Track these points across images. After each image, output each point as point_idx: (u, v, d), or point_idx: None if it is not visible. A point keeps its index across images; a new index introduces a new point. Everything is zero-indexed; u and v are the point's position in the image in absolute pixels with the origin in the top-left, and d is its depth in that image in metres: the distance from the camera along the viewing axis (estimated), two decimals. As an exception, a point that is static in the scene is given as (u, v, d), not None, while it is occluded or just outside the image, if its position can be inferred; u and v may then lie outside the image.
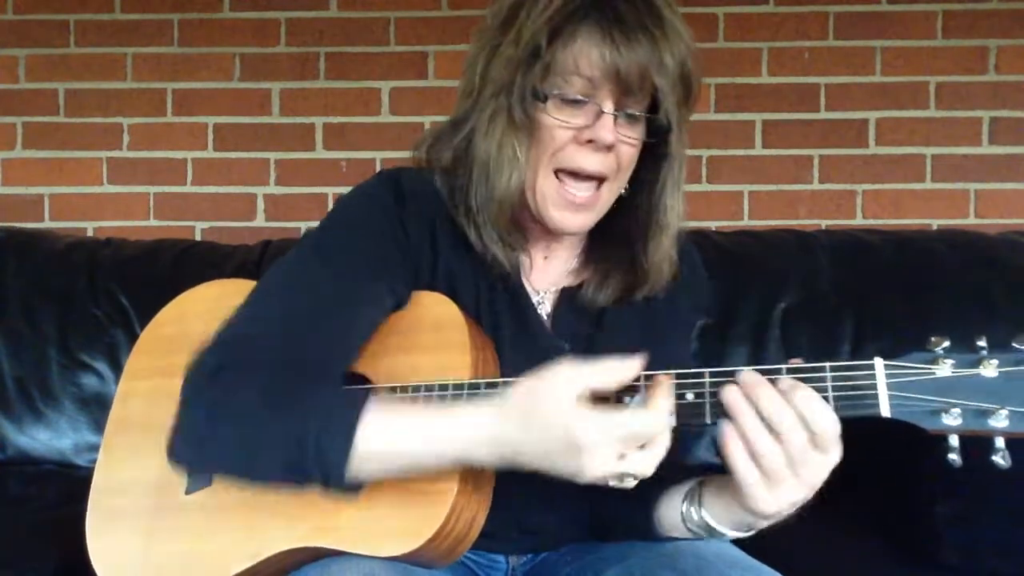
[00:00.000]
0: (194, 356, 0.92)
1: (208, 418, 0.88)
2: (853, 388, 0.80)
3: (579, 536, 1.10)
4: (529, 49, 0.95)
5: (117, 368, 1.74)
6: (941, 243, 1.80)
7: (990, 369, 0.76)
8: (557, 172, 0.98)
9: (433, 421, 0.84)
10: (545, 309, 1.08)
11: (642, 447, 0.80)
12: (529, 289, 1.07)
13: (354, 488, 0.86)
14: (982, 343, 0.78)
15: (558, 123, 0.96)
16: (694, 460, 1.68)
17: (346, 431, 0.83)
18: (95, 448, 1.14)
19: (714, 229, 2.19)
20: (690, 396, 0.84)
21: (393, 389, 0.95)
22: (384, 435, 0.84)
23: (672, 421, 0.83)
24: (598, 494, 1.08)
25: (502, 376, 0.99)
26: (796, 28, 2.31)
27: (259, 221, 2.35)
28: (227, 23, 2.34)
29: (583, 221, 1.01)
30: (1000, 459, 0.76)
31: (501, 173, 0.98)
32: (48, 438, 1.74)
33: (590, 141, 0.95)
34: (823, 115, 2.31)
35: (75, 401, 1.75)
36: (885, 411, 0.79)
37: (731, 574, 0.92)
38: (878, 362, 0.80)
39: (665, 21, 0.94)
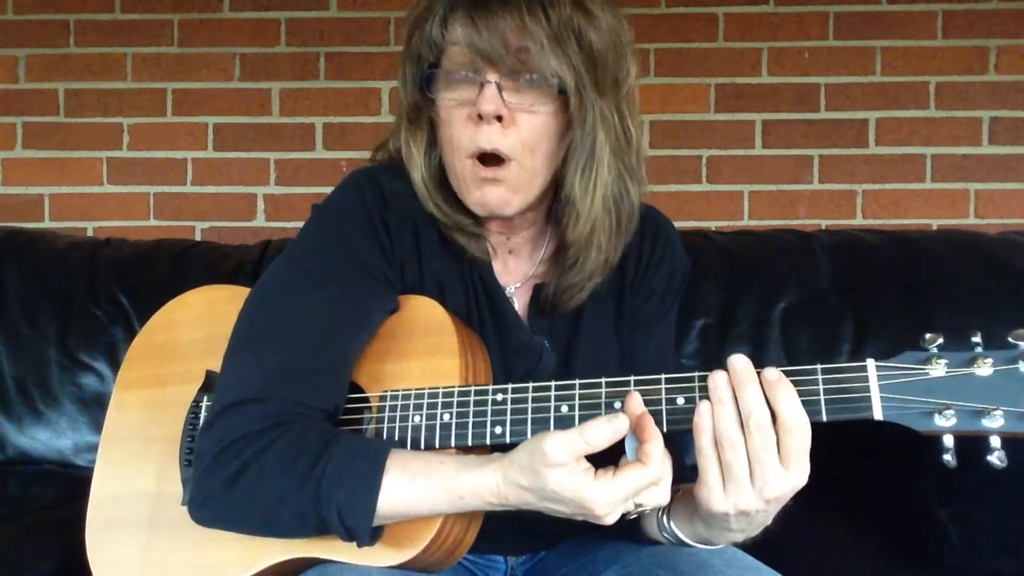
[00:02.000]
0: (204, 420, 0.93)
1: (226, 488, 0.88)
2: (845, 391, 0.79)
3: (576, 532, 1.11)
4: (405, 45, 0.99)
5: (117, 368, 1.72)
6: (941, 243, 1.79)
7: (985, 368, 0.75)
8: (467, 158, 0.97)
9: (448, 486, 0.85)
10: (517, 304, 1.08)
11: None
12: (501, 283, 1.07)
13: (376, 537, 0.88)
14: (977, 339, 0.77)
15: (449, 103, 0.96)
16: (690, 461, 1.68)
17: (367, 506, 0.85)
18: (95, 448, 1.13)
19: (714, 229, 2.19)
20: (680, 400, 0.85)
21: (383, 397, 0.95)
22: (403, 500, 0.86)
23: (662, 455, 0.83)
24: None
25: (492, 377, 1.00)
26: (796, 28, 2.31)
27: (259, 221, 2.35)
28: (227, 23, 2.34)
29: (500, 196, 0.97)
30: (996, 459, 0.75)
31: (411, 169, 1.02)
32: (48, 438, 1.74)
33: (480, 116, 0.94)
34: (823, 115, 2.31)
35: (75, 401, 1.75)
36: (877, 414, 0.78)
37: (729, 574, 0.91)
38: (870, 363, 0.79)
39: None
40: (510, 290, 1.08)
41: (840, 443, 1.40)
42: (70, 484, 1.54)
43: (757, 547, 0.95)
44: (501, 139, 0.94)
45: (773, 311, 1.72)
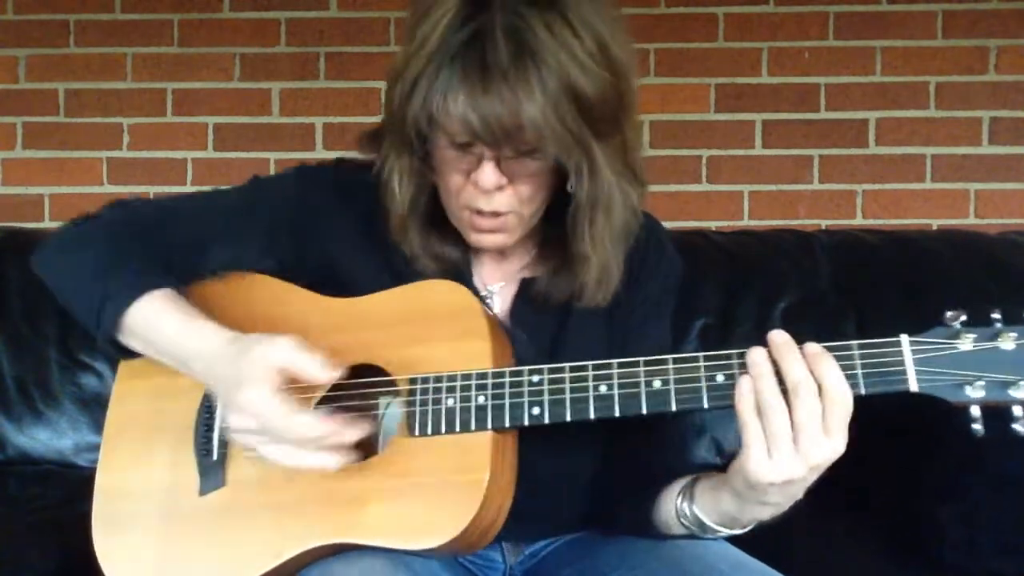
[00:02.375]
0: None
1: (61, 244, 1.07)
2: (881, 365, 0.82)
3: (575, 525, 1.11)
4: (412, 89, 0.92)
5: (117, 368, 1.73)
6: (941, 243, 1.79)
7: (1008, 342, 0.80)
8: (463, 208, 0.98)
9: (180, 324, 0.97)
10: (499, 303, 1.08)
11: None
12: (478, 284, 1.08)
13: (122, 350, 1.02)
14: (996, 315, 0.81)
15: (449, 163, 0.96)
16: (695, 460, 1.68)
17: (123, 301, 0.98)
18: (95, 448, 1.13)
19: (714, 229, 2.19)
20: (720, 378, 0.85)
21: (414, 380, 0.94)
22: (148, 319, 0.98)
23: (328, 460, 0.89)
24: (599, 485, 1.07)
25: None
26: (796, 28, 2.31)
27: (259, 221, 2.35)
28: (227, 23, 2.34)
29: (497, 241, 1.00)
30: (1021, 427, 0.79)
31: (392, 197, 1.00)
32: (48, 438, 1.74)
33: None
34: (823, 115, 2.31)
35: (75, 401, 1.74)
36: (913, 386, 0.81)
37: None
38: (904, 339, 0.82)
39: (533, 57, 0.86)
40: (493, 288, 1.09)
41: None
42: (70, 484, 1.54)
43: (758, 544, 0.95)
44: (498, 203, 0.95)
45: (773, 311, 1.72)
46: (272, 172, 2.31)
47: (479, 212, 0.96)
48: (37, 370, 1.74)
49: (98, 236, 1.05)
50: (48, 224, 2.33)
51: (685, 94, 2.31)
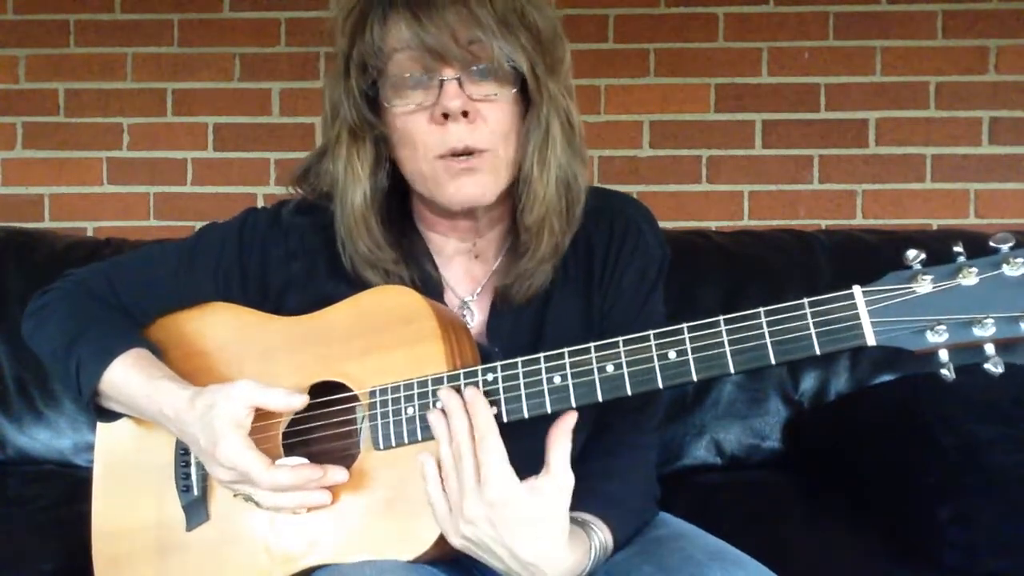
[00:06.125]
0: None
1: (28, 317, 1.11)
2: (835, 322, 0.77)
3: None
4: (344, 55, 0.95)
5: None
6: (941, 243, 1.79)
7: (970, 277, 0.74)
8: (437, 159, 0.96)
9: (146, 388, 0.99)
10: (476, 316, 1.06)
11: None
12: (451, 298, 1.06)
13: (102, 412, 1.06)
14: (959, 249, 0.76)
15: (406, 110, 0.94)
16: (693, 460, 1.68)
17: (97, 369, 1.01)
18: (94, 448, 1.13)
19: (714, 229, 2.20)
20: (672, 355, 0.82)
21: (373, 394, 0.94)
22: (118, 387, 1.01)
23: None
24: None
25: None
26: (796, 28, 2.31)
27: (259, 221, 2.35)
28: (227, 23, 2.34)
29: (477, 184, 0.96)
30: (992, 366, 0.73)
31: (347, 192, 0.99)
32: (48, 438, 1.74)
33: (445, 116, 0.92)
34: (823, 115, 2.31)
35: (75, 401, 1.74)
36: (870, 340, 0.76)
37: (711, 566, 0.89)
38: (857, 290, 0.77)
39: None
40: (469, 299, 1.07)
41: (839, 443, 1.39)
42: (70, 484, 1.54)
43: (757, 544, 0.95)
44: (471, 135, 0.93)
45: (773, 311, 1.72)
46: (272, 172, 2.36)
47: (454, 154, 0.94)
48: (37, 370, 1.74)
49: (59, 308, 1.09)
50: (48, 224, 2.33)
51: (685, 94, 2.31)
